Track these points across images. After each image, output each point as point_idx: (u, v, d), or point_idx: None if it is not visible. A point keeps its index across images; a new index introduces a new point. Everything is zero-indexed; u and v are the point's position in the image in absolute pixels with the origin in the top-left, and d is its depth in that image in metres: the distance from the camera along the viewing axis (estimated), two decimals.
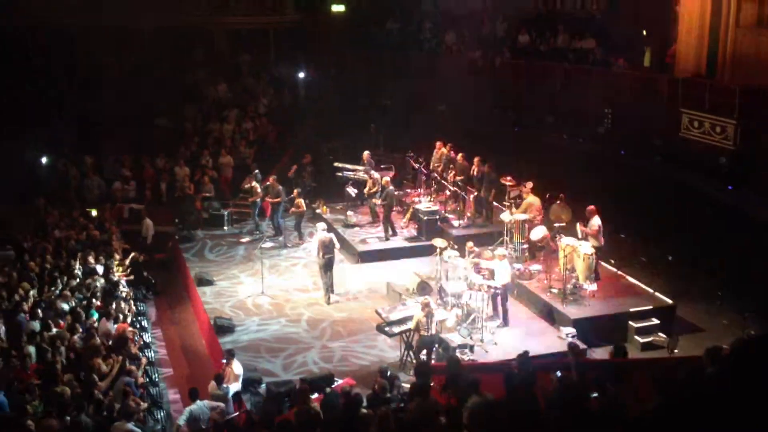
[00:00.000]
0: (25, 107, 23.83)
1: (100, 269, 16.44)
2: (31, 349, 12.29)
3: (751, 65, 18.58)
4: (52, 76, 26.10)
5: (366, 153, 21.54)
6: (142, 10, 26.59)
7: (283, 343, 14.96)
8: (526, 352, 10.97)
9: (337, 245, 17.04)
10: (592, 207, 15.82)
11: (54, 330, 13.19)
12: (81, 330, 13.34)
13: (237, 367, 12.54)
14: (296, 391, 10.75)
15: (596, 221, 15.66)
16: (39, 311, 13.73)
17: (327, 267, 16.53)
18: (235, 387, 12.20)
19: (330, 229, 20.57)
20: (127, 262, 17.72)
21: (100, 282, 15.85)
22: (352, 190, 21.13)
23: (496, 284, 14.55)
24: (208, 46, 28.22)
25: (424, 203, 19.74)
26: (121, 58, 27.18)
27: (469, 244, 15.94)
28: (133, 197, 21.86)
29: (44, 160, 22.73)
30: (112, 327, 13.79)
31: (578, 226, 15.83)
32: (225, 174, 23.00)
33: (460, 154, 20.01)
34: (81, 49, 27.18)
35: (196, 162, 23.19)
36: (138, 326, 15.11)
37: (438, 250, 16.02)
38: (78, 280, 15.84)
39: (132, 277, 17.23)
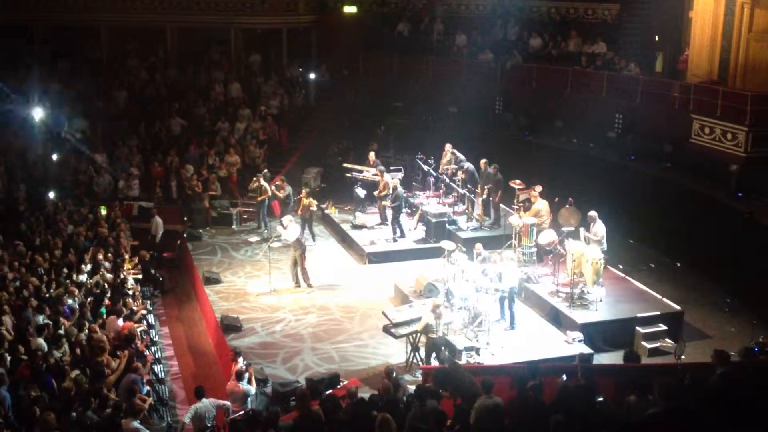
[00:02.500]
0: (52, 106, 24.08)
1: (108, 266, 16.50)
2: (42, 343, 12.35)
3: (764, 72, 18.53)
4: (77, 74, 26.27)
5: (371, 153, 21.55)
6: (164, 10, 26.82)
7: (287, 344, 14.97)
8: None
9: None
10: (593, 213, 15.79)
11: (61, 326, 13.25)
12: (87, 326, 13.39)
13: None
14: (298, 395, 10.74)
15: (600, 227, 15.62)
16: (46, 307, 13.78)
17: (304, 255, 17.37)
18: (252, 389, 12.14)
19: (338, 229, 20.71)
20: (136, 260, 17.77)
21: (108, 279, 15.91)
22: (360, 191, 21.16)
23: (503, 287, 14.52)
24: (223, 46, 28.30)
25: (433, 205, 19.75)
26: (142, 57, 27.33)
27: (478, 245, 15.92)
28: (135, 196, 21.92)
29: (55, 156, 22.80)
30: (120, 324, 13.83)
31: (581, 232, 15.77)
32: (232, 173, 23.04)
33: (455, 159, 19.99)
34: (106, 47, 27.39)
35: (204, 161, 23.26)
36: (145, 324, 15.15)
37: (446, 252, 16.01)
38: (86, 276, 15.91)
39: (140, 275, 17.27)
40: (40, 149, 23.15)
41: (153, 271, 18.07)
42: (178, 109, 25.42)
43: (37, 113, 23.12)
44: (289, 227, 17.29)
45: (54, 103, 24.44)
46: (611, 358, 13.94)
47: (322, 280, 17.79)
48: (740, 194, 17.46)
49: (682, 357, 13.83)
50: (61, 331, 13.04)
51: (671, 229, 18.33)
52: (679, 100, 19.80)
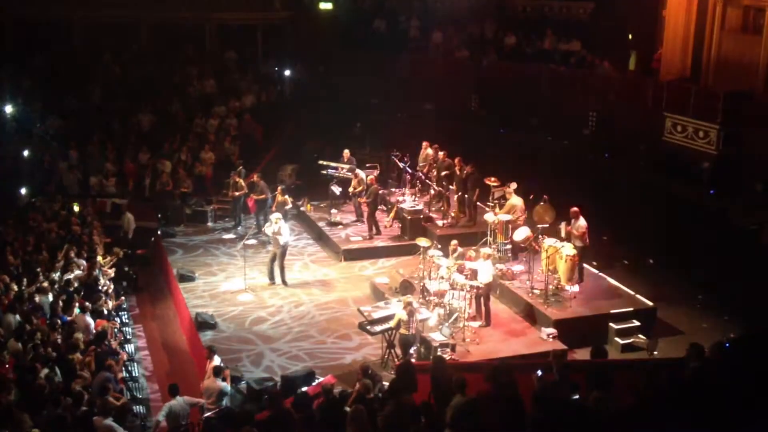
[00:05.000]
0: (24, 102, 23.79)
1: (81, 263, 16.32)
2: (19, 347, 12.19)
3: (735, 70, 18.74)
4: (51, 70, 25.92)
5: (346, 151, 21.53)
6: (137, 6, 26.57)
7: (261, 341, 14.92)
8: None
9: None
10: (576, 208, 15.88)
11: (33, 325, 13.08)
12: (60, 325, 13.24)
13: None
14: (269, 394, 10.72)
15: (582, 222, 15.71)
16: (18, 305, 13.60)
17: (284, 254, 17.27)
18: (227, 386, 12.07)
19: (314, 226, 20.67)
20: (110, 257, 17.58)
21: (81, 276, 15.73)
22: (336, 189, 21.11)
23: (478, 284, 14.57)
24: (198, 41, 28.11)
25: (409, 202, 19.76)
26: (116, 53, 27.03)
27: (453, 242, 15.95)
28: (111, 193, 21.72)
29: (26, 153, 22.48)
30: (92, 322, 13.69)
31: (562, 226, 15.87)
32: (206, 170, 22.88)
33: (442, 153, 20.04)
34: (79, 43, 27.06)
35: (177, 158, 23.10)
36: (118, 321, 15.01)
37: (421, 249, 16.03)
38: (58, 274, 15.73)
39: (113, 272, 17.09)
40: (11, 145, 22.83)
41: (126, 269, 17.91)
42: (150, 105, 25.20)
43: (8, 109, 22.85)
44: (282, 226, 17.14)
45: (25, 99, 24.17)
46: (585, 354, 14.02)
47: (298, 278, 17.75)
48: (712, 191, 17.65)
49: (655, 353, 13.97)
50: (33, 327, 12.89)
51: (644, 226, 18.48)
52: (652, 98, 19.97)
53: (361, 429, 8.32)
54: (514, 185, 17.46)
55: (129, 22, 27.20)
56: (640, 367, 12.08)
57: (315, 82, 26.85)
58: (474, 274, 14.71)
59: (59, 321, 13.35)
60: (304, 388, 12.38)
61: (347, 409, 9.09)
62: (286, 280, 17.32)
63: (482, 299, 14.80)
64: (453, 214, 19.37)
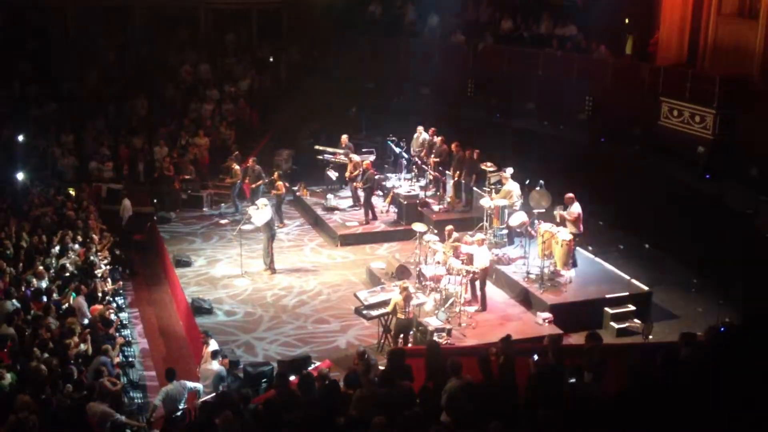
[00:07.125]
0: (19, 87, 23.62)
1: (77, 248, 16.31)
2: (12, 332, 12.20)
3: (732, 55, 18.69)
4: (46, 55, 25.74)
5: (344, 137, 21.50)
6: None
7: (258, 326, 14.94)
8: (508, 336, 10.95)
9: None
10: (570, 195, 15.88)
11: (30, 309, 13.09)
12: (56, 309, 13.25)
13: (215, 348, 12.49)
14: (275, 374, 10.81)
15: (576, 208, 15.72)
16: (14, 290, 13.60)
17: (273, 239, 17.21)
18: (224, 370, 12.11)
19: (310, 211, 20.66)
20: (105, 242, 17.56)
21: (77, 261, 15.72)
22: (332, 174, 21.10)
23: (474, 269, 14.59)
24: (192, 25, 27.93)
25: (405, 187, 19.74)
26: (110, 37, 26.84)
27: (449, 227, 15.96)
28: (109, 177, 21.68)
29: (21, 138, 22.38)
30: (89, 307, 13.70)
31: (556, 211, 15.87)
32: (201, 155, 22.82)
33: (439, 138, 20.03)
34: (75, 28, 26.85)
35: (175, 143, 23.02)
36: (115, 306, 15.01)
37: (418, 234, 16.03)
38: (54, 259, 15.72)
39: (109, 258, 17.08)
40: (6, 130, 22.73)
41: (121, 254, 17.89)
42: (145, 90, 25.09)
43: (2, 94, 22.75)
44: (262, 210, 17.11)
45: (20, 84, 24.03)
46: (581, 338, 14.06)
47: (294, 263, 17.75)
48: (708, 176, 17.66)
49: (650, 337, 14.03)
50: (31, 311, 12.91)
51: (640, 211, 18.51)
52: (648, 83, 19.91)
53: (365, 412, 8.38)
54: (510, 170, 17.47)
55: (122, 5, 26.99)
56: (635, 351, 12.16)
57: (310, 66, 26.73)
58: (470, 259, 14.74)
59: (54, 305, 13.36)
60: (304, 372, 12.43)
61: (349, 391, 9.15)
62: (274, 268, 17.25)
63: (478, 284, 14.83)
64: (449, 199, 19.37)
